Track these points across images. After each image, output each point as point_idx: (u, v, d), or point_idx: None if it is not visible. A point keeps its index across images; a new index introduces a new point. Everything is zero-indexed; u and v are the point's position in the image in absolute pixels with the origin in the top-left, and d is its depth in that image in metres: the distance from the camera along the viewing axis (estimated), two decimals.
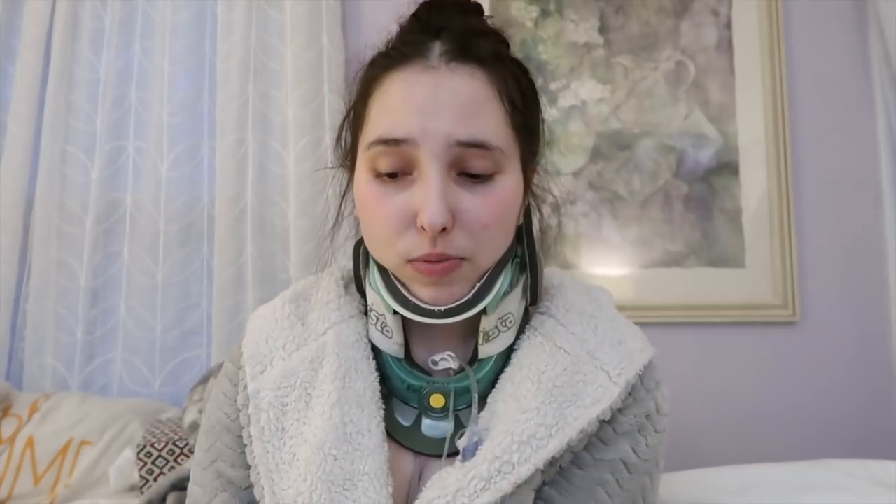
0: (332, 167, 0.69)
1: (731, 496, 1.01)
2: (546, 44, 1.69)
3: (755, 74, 1.69)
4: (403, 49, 0.57)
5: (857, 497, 0.98)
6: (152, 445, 1.27)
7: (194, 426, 1.25)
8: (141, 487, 1.26)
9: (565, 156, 1.66)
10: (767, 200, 1.66)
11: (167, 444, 1.27)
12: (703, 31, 1.72)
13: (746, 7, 1.71)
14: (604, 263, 1.66)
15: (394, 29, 0.62)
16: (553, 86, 1.68)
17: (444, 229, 0.53)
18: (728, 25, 1.72)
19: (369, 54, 0.61)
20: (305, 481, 0.55)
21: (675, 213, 1.67)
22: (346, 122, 0.64)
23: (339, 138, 0.66)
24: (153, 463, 1.25)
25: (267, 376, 0.61)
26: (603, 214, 1.67)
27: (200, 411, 1.27)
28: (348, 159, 0.64)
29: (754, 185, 1.67)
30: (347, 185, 0.67)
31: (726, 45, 1.71)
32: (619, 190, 1.68)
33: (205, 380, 1.37)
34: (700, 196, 1.68)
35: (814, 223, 1.66)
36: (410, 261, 0.55)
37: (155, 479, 1.24)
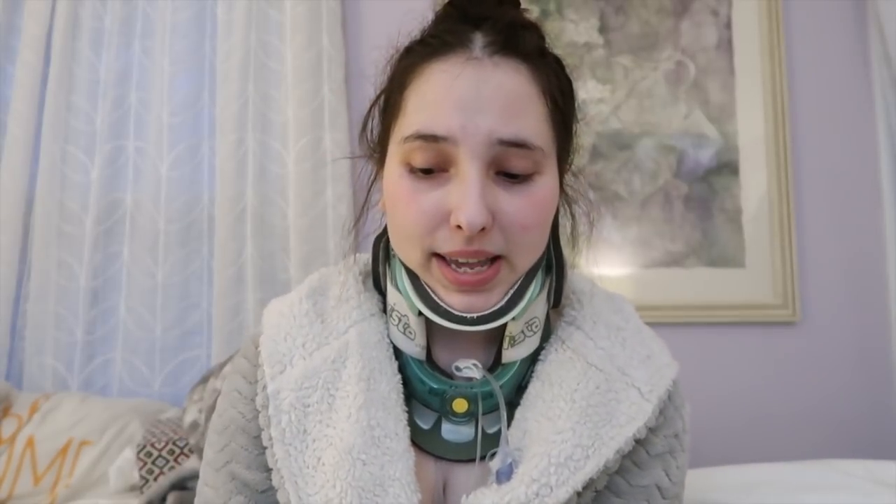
0: (359, 157, 0.65)
1: (733, 495, 1.01)
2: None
3: (755, 74, 1.69)
4: (445, 37, 0.54)
5: (858, 497, 0.98)
6: (152, 445, 1.27)
7: (194, 426, 1.25)
8: (141, 487, 1.25)
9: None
10: (767, 200, 1.66)
11: (167, 444, 1.27)
12: (703, 31, 1.72)
13: (746, 7, 1.71)
14: (604, 263, 1.66)
15: (428, 16, 0.59)
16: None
17: (482, 229, 0.51)
18: (728, 25, 1.72)
19: (403, 42, 0.58)
20: (335, 487, 0.53)
21: (675, 213, 1.67)
22: (373, 111, 0.61)
23: (365, 127, 0.62)
24: (153, 463, 1.25)
25: (287, 376, 0.59)
26: (603, 214, 1.67)
27: (200, 411, 1.26)
28: (377, 151, 0.61)
29: (754, 185, 1.67)
30: (375, 177, 0.63)
31: (726, 45, 1.71)
32: (619, 190, 1.68)
33: (205, 380, 1.37)
34: (700, 196, 1.68)
35: (814, 223, 1.66)
36: (437, 255, 0.53)
37: (155, 479, 1.24)
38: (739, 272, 1.65)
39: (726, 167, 1.68)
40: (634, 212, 1.67)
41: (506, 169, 0.53)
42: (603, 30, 1.71)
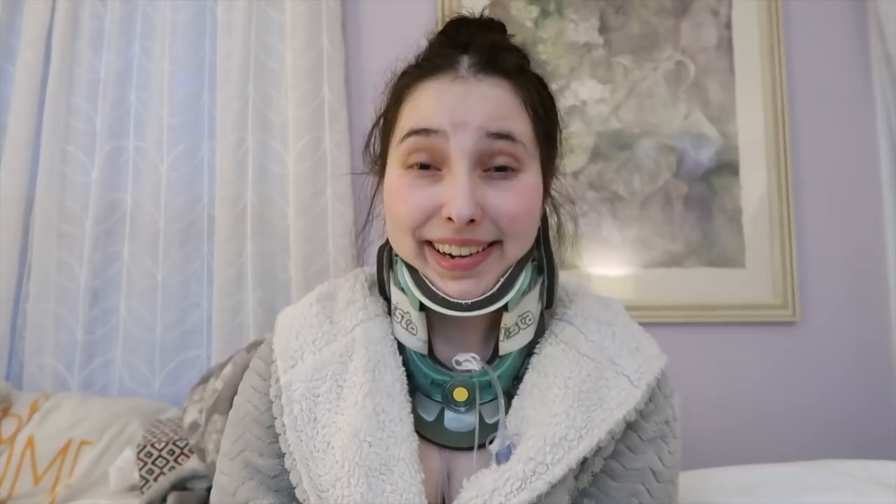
0: (362, 173, 0.72)
1: (732, 496, 1.01)
2: (546, 44, 1.69)
3: (755, 74, 1.69)
4: (435, 60, 0.62)
5: (857, 497, 0.98)
6: (152, 445, 1.27)
7: (194, 426, 1.25)
8: (141, 487, 1.25)
9: (565, 156, 1.66)
10: (767, 200, 1.66)
11: (167, 444, 1.27)
12: (703, 31, 1.72)
13: (746, 7, 1.71)
14: (604, 263, 1.66)
15: (422, 43, 0.67)
16: (553, 86, 1.68)
17: (472, 221, 0.56)
18: (728, 25, 1.72)
19: (400, 66, 0.66)
20: (343, 468, 0.58)
21: (675, 213, 1.67)
22: (375, 130, 0.68)
23: (368, 144, 0.69)
24: (153, 463, 1.25)
25: (298, 369, 0.64)
26: (603, 214, 1.67)
27: (200, 411, 1.26)
28: (377, 164, 0.68)
29: (754, 185, 1.67)
30: (377, 189, 0.70)
31: (726, 45, 1.71)
32: (619, 190, 1.68)
33: (205, 380, 1.37)
34: (700, 196, 1.67)
35: (814, 223, 1.66)
36: (428, 242, 0.59)
37: (155, 479, 1.24)
38: (739, 272, 1.65)
39: (726, 167, 1.68)
40: (634, 212, 1.67)
41: (492, 163, 0.59)
42: (603, 30, 1.71)
